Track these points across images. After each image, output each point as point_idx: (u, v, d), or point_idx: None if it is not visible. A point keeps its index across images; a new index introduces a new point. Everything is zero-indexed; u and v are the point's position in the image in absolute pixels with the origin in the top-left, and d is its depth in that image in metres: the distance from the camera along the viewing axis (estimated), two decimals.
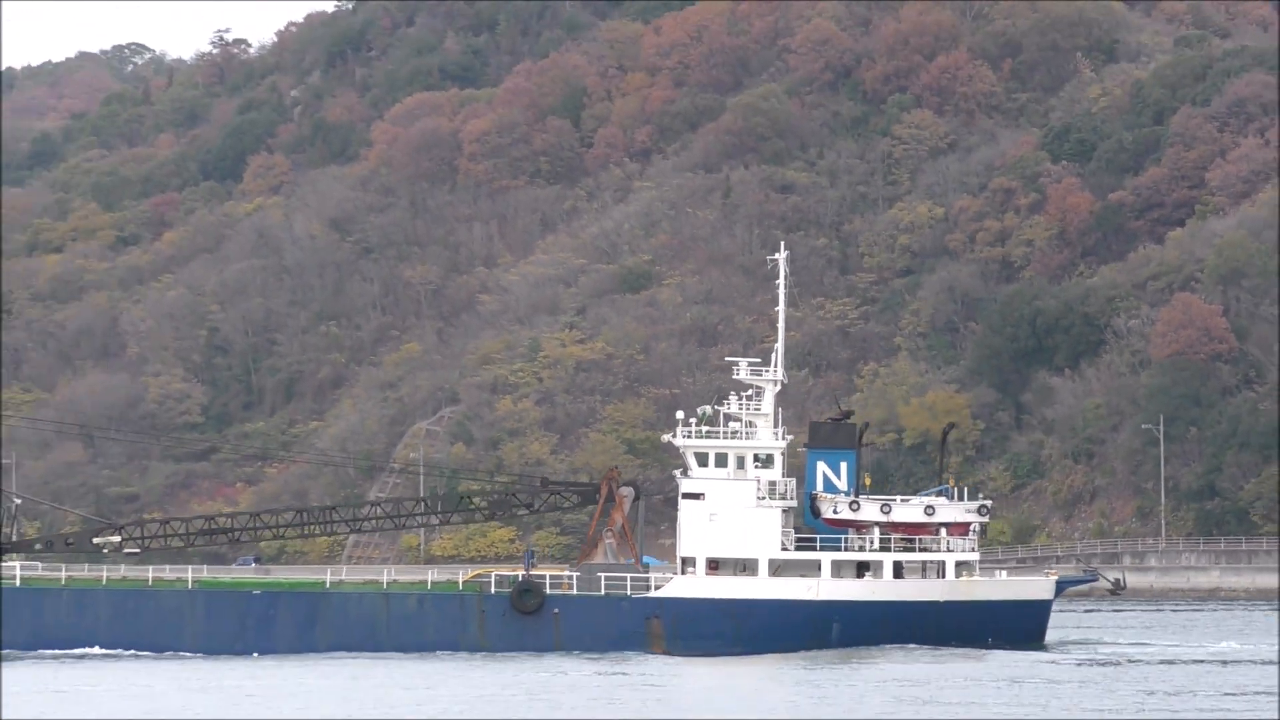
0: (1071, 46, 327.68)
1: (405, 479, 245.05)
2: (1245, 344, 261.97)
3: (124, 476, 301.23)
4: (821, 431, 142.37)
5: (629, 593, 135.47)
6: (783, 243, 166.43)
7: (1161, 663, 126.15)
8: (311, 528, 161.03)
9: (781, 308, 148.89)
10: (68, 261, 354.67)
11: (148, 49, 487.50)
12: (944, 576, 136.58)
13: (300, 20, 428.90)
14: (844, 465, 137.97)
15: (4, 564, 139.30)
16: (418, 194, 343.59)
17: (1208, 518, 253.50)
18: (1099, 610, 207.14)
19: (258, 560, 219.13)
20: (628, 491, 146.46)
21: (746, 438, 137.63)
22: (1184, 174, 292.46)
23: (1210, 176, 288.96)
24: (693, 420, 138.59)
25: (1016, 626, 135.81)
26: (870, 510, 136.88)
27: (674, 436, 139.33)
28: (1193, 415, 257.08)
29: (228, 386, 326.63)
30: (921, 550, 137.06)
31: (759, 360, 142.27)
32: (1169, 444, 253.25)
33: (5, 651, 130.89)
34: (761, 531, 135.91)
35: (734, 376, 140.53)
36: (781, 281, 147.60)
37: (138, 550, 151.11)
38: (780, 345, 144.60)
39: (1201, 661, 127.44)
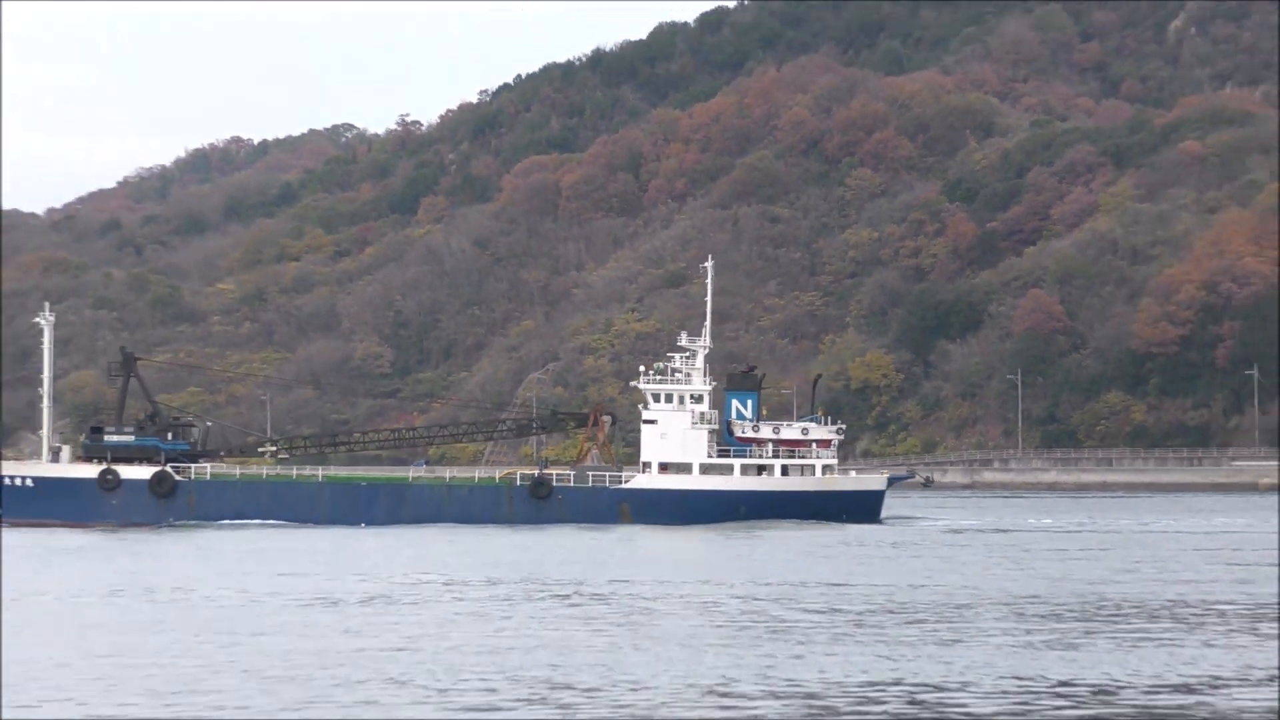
0: (962, 126, 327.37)
1: (523, 411, 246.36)
2: (1074, 322, 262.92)
3: (339, 408, 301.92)
4: (735, 379, 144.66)
5: (608, 485, 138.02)
6: (710, 255, 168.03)
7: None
8: (399, 442, 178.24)
9: (709, 297, 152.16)
10: (303, 267, 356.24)
11: (355, 126, 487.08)
12: (814, 475, 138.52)
13: (455, 108, 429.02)
14: (750, 402, 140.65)
15: (198, 465, 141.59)
16: (532, 223, 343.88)
17: (1049, 436, 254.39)
18: (941, 496, 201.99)
19: (427, 463, 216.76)
20: (607, 419, 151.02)
21: (685, 383, 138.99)
22: (1036, 211, 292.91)
23: (1053, 213, 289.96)
24: (651, 372, 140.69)
25: (861, 508, 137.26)
26: (766, 431, 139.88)
27: (639, 382, 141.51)
28: (1039, 369, 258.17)
29: (407, 349, 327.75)
30: (800, 458, 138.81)
31: (700, 336, 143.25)
32: (1024, 388, 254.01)
33: (200, 521, 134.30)
34: (695, 445, 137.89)
35: (677, 343, 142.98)
36: (709, 281, 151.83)
37: (287, 456, 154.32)
38: (708, 323, 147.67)
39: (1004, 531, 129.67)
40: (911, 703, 39.75)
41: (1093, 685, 42.10)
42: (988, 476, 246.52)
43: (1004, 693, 40.94)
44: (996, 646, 50.48)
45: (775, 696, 40.49)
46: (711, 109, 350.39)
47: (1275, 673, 44.34)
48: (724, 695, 40.86)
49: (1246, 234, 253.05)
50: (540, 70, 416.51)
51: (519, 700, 40.20)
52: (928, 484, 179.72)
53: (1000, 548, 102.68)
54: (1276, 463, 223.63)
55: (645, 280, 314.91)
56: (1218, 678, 43.31)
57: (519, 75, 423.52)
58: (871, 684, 42.56)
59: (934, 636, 53.27)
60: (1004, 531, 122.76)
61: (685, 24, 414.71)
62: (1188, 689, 41.48)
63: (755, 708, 38.93)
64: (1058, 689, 41.52)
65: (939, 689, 41.58)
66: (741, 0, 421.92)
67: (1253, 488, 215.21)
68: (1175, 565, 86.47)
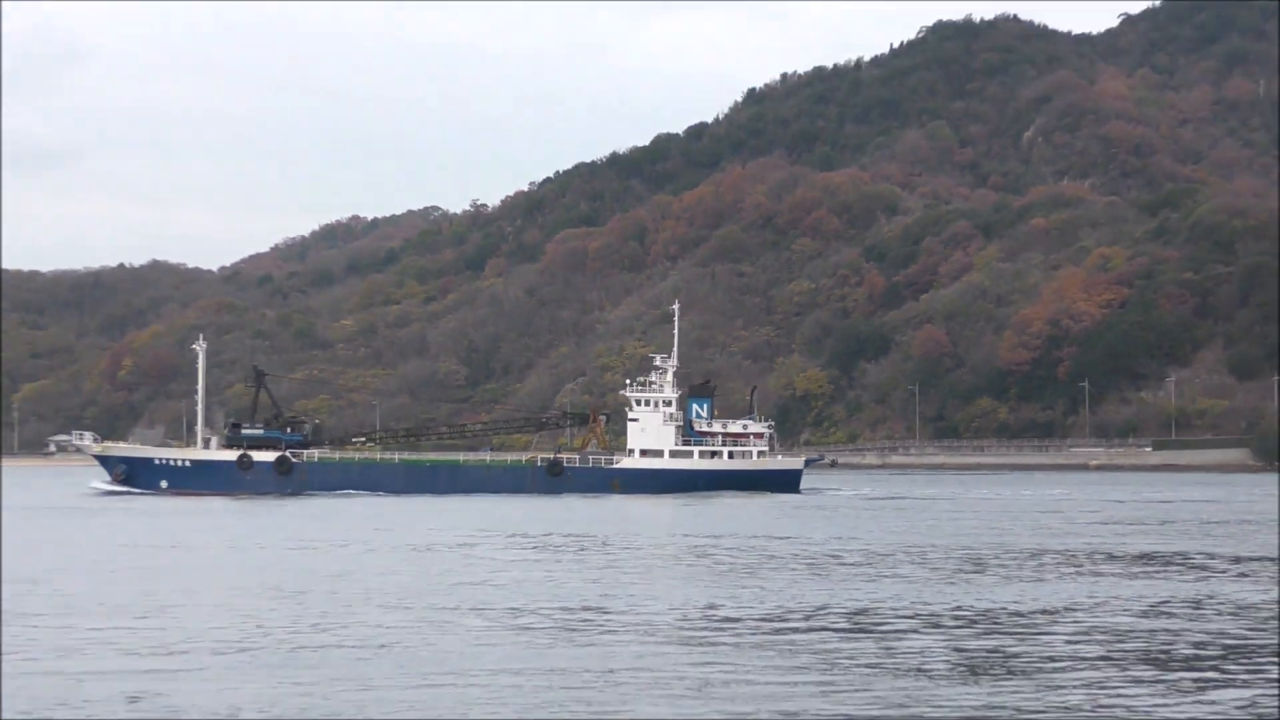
0: (875, 208, 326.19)
1: (557, 412, 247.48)
2: (956, 348, 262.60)
3: (428, 410, 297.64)
4: (695, 389, 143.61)
5: (603, 465, 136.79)
6: (677, 300, 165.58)
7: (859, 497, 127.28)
8: (463, 434, 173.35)
9: (676, 330, 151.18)
10: (402, 309, 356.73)
11: (440, 208, 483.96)
12: (751, 458, 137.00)
13: (512, 194, 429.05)
14: (705, 405, 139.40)
15: (309, 451, 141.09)
16: (567, 277, 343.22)
17: (938, 430, 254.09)
18: (848, 476, 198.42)
19: (492, 449, 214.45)
20: (603, 418, 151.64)
21: (659, 391, 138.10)
22: (928, 269, 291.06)
23: (941, 270, 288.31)
24: (634, 384, 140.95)
25: (785, 483, 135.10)
26: (717, 427, 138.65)
27: (626, 390, 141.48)
28: (931, 382, 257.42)
29: (477, 367, 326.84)
30: (741, 446, 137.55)
31: (670, 357, 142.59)
32: (920, 396, 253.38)
33: (310, 491, 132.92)
34: (666, 436, 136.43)
35: (660, 361, 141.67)
36: (676, 320, 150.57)
37: (373, 444, 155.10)
38: (675, 348, 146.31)
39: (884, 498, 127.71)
40: (851, 616, 39.57)
41: (978, 610, 41.79)
42: (894, 459, 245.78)
43: (916, 615, 40.59)
44: (908, 581, 50.09)
45: (750, 616, 40.19)
46: (695, 195, 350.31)
47: (1116, 601, 44.05)
48: (714, 617, 40.52)
49: (1079, 285, 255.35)
50: (573, 168, 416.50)
51: (573, 618, 39.82)
52: (833, 465, 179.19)
53: (901, 511, 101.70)
54: (1103, 449, 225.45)
55: (648, 318, 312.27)
56: (1074, 603, 43.05)
57: (557, 171, 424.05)
58: (819, 607, 42.23)
59: (860, 574, 52.91)
60: (899, 498, 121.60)
61: (677, 134, 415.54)
62: (1045, 612, 41.20)
63: (736, 625, 38.59)
64: (954, 611, 41.20)
65: (869, 611, 41.27)
66: (717, 117, 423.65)
67: (1084, 467, 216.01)
68: (1030, 522, 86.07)
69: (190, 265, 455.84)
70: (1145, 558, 59.85)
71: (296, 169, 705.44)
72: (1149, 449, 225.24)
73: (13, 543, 69.74)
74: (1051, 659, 32.60)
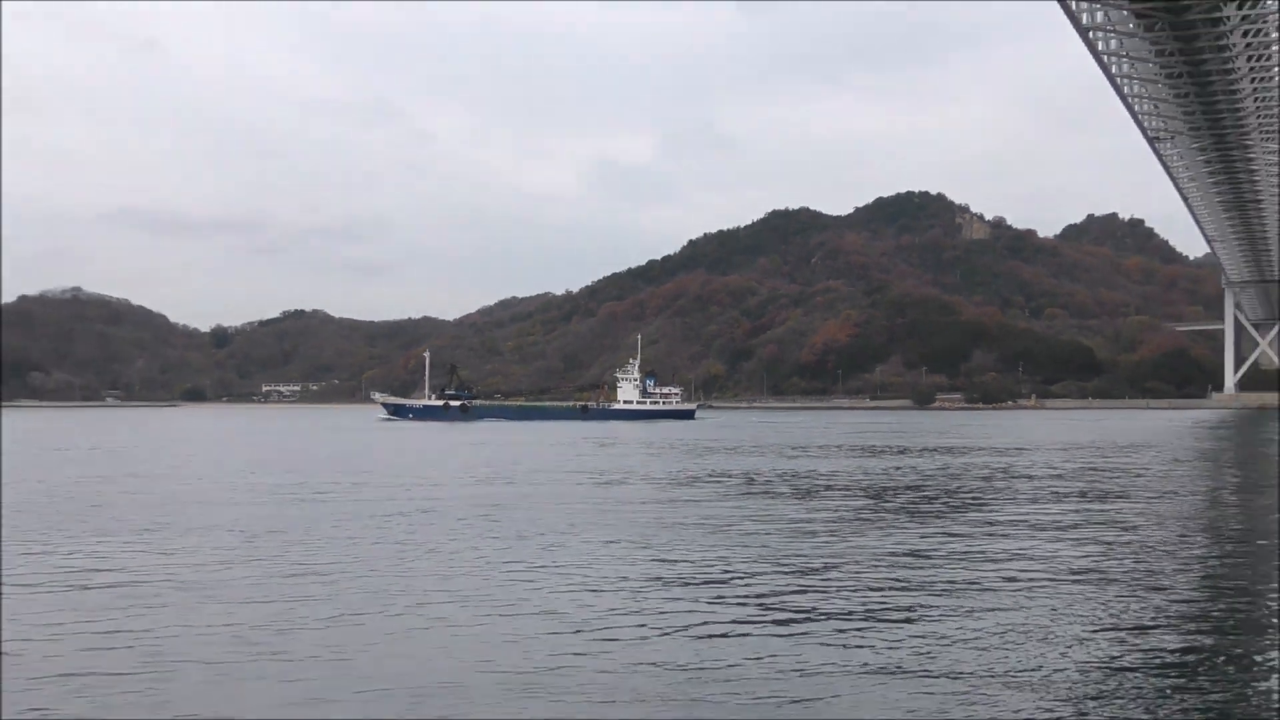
0: (746, 293, 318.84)
1: (599, 386, 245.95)
2: (782, 355, 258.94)
3: (544, 384, 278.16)
4: (648, 373, 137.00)
5: (608, 408, 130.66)
6: (639, 334, 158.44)
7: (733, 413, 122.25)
8: (554, 393, 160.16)
9: (639, 348, 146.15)
10: (534, 338, 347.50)
11: (551, 292, 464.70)
12: (673, 404, 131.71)
13: (584, 285, 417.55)
14: (653, 380, 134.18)
15: (476, 401, 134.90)
16: (608, 325, 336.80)
17: (775, 393, 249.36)
18: (723, 414, 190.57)
19: (573, 401, 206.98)
20: (606, 386, 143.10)
21: (631, 374, 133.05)
22: (769, 320, 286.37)
23: (775, 320, 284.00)
24: (619, 372, 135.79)
25: (687, 415, 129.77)
26: (657, 390, 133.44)
27: (616, 373, 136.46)
28: (771, 370, 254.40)
29: (569, 364, 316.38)
30: (667, 399, 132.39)
31: (635, 359, 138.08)
32: (766, 376, 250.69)
33: (476, 420, 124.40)
34: (634, 395, 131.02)
35: (631, 360, 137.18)
36: (639, 344, 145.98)
37: (504, 397, 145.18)
38: (638, 352, 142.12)
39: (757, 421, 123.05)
40: (742, 475, 37.78)
41: (801, 472, 40.48)
42: (754, 405, 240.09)
43: (775, 473, 39.26)
44: (757, 458, 48.67)
45: (702, 473, 38.62)
46: (666, 288, 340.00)
47: (867, 468, 42.75)
48: (686, 477, 38.94)
49: (837, 327, 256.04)
50: (610, 275, 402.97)
51: (620, 474, 38.23)
52: (710, 407, 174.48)
53: (752, 427, 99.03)
54: (848, 400, 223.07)
55: (643, 342, 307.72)
56: (841, 469, 41.78)
57: (603, 275, 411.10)
58: (729, 469, 40.79)
59: (734, 454, 51.49)
60: (756, 423, 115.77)
61: (657, 259, 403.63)
62: (835, 472, 39.87)
63: (696, 475, 37.20)
64: (781, 474, 39.80)
65: (750, 472, 39.65)
66: (674, 252, 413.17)
67: (839, 408, 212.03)
68: (817, 433, 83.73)
69: (439, 318, 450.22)
70: (871, 448, 58.27)
71: (487, 273, 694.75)
72: (869, 400, 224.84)
73: (351, 441, 68.06)
74: (836, 490, 31.38)
